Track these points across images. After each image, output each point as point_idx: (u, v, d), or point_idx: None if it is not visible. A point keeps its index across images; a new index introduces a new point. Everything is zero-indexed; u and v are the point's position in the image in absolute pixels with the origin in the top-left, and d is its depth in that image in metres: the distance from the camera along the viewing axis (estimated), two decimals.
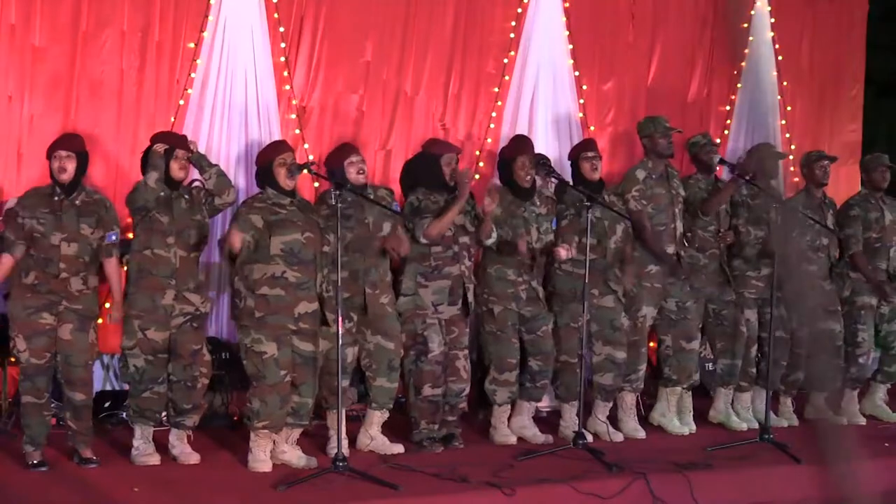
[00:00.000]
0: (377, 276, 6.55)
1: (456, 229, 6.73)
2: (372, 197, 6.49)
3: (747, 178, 7.41)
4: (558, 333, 7.09)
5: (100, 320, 6.21)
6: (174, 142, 6.28)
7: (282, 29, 7.56)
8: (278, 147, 6.40)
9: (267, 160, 6.26)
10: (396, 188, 7.10)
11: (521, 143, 7.19)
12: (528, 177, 6.98)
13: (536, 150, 7.30)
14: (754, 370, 7.71)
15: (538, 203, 7.08)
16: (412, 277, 6.68)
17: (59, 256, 5.95)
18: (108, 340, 6.59)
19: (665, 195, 7.41)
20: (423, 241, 6.62)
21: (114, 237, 6.16)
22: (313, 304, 6.15)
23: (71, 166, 6.02)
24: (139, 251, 6.13)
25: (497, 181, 7.31)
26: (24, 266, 5.94)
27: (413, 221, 6.63)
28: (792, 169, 9.15)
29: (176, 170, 6.19)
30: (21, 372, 5.97)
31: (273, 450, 6.17)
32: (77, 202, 6.06)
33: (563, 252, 6.81)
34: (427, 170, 6.77)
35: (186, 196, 6.26)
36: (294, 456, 6.19)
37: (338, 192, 5.99)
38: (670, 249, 7.39)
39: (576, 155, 7.31)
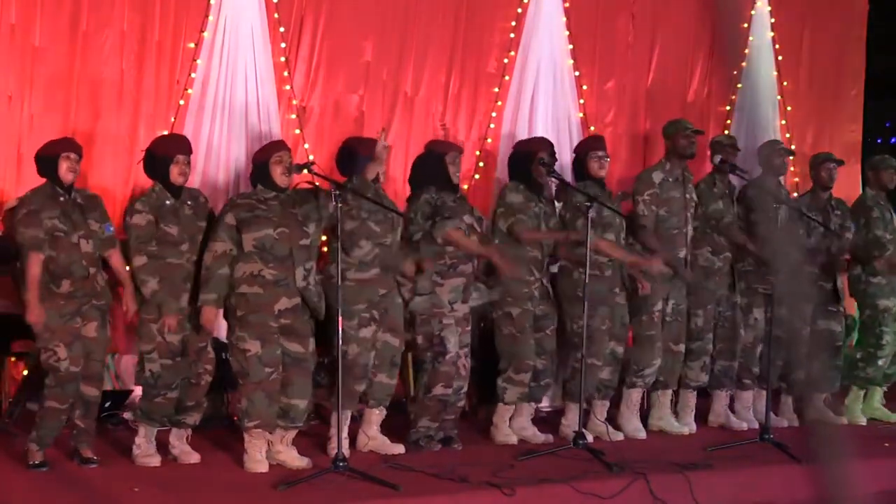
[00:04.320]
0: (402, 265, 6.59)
1: (468, 230, 6.72)
2: (371, 194, 6.46)
3: (745, 176, 7.41)
4: (592, 336, 6.86)
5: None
6: (176, 145, 6.26)
7: (282, 29, 7.56)
8: (276, 146, 6.39)
9: (263, 157, 6.25)
10: (394, 187, 7.08)
11: (542, 141, 7.20)
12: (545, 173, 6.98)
13: None
14: (757, 369, 7.72)
15: (545, 199, 7.08)
16: (428, 276, 6.64)
17: (79, 254, 5.94)
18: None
19: (679, 199, 7.37)
20: (440, 240, 6.60)
21: (111, 229, 6.15)
22: (294, 298, 6.12)
23: (79, 168, 6.05)
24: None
25: (505, 177, 7.29)
26: (51, 276, 5.89)
27: (433, 221, 6.58)
28: (792, 168, 9.15)
29: (175, 175, 6.16)
30: (54, 379, 5.87)
31: (269, 451, 6.16)
32: (79, 200, 6.06)
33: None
34: (433, 168, 6.73)
35: (189, 202, 6.24)
36: (290, 457, 6.17)
37: (338, 193, 5.97)
38: (681, 253, 7.38)
39: (584, 151, 7.26)
